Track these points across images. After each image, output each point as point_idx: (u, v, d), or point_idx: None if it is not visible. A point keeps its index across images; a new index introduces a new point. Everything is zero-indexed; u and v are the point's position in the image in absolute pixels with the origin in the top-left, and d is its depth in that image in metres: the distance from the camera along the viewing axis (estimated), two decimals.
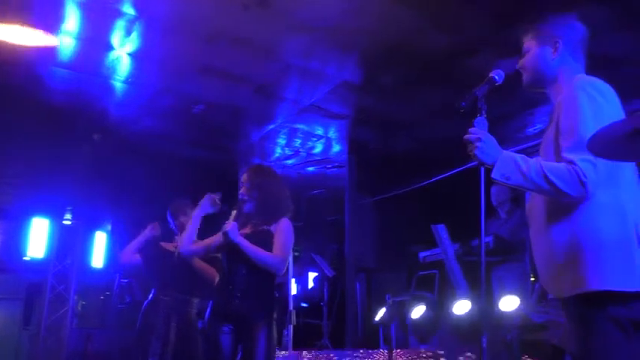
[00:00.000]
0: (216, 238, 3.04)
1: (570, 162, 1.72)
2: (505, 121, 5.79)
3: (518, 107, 5.47)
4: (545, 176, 1.73)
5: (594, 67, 1.89)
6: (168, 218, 3.90)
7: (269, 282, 2.98)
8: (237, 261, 2.93)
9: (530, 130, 6.27)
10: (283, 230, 3.01)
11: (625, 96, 1.85)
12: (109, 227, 8.89)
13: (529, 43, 2.03)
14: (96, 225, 8.57)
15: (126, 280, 7.76)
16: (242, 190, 3.07)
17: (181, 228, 3.70)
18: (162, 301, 3.70)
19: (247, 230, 3.04)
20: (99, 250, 8.55)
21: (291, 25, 4.59)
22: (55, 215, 7.76)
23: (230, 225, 2.91)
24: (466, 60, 4.94)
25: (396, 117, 6.33)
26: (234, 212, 3.00)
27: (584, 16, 1.99)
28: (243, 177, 3.11)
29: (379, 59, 5.13)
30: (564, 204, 1.77)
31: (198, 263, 3.63)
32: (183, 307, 3.72)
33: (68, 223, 7.70)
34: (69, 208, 8.43)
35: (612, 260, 1.70)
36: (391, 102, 6.00)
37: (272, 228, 3.02)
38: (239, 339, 2.89)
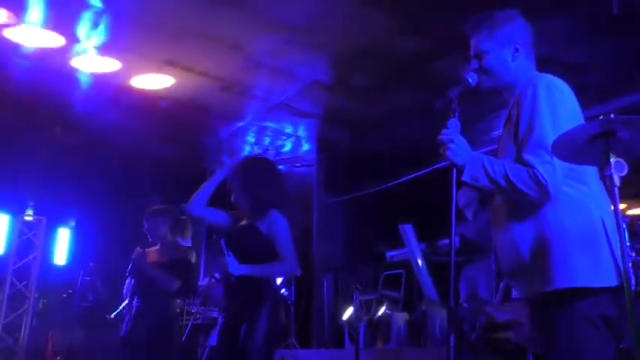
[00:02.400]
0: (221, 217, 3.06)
1: (530, 165, 1.74)
2: (472, 123, 5.87)
3: (484, 110, 5.54)
4: (508, 179, 1.75)
5: (558, 74, 1.91)
6: (144, 221, 3.96)
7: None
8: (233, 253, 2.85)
9: (497, 132, 6.37)
10: (280, 231, 2.89)
11: (587, 102, 1.88)
12: (73, 223, 8.69)
13: (486, 45, 1.98)
14: (59, 221, 8.37)
15: (89, 278, 7.59)
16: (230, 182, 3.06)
17: (151, 232, 3.87)
18: (141, 308, 3.66)
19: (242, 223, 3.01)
20: (62, 246, 8.36)
21: (261, 23, 4.57)
22: (16, 211, 7.56)
23: (228, 262, 2.79)
24: (436, 62, 4.99)
25: (365, 117, 6.35)
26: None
27: (548, 25, 2.01)
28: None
29: (350, 60, 5.14)
30: (528, 202, 1.78)
31: (151, 267, 3.61)
32: (162, 313, 3.67)
33: (30, 218, 7.50)
34: (31, 203, 8.21)
35: (579, 256, 1.69)
36: (361, 102, 6.02)
37: (259, 224, 2.92)
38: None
